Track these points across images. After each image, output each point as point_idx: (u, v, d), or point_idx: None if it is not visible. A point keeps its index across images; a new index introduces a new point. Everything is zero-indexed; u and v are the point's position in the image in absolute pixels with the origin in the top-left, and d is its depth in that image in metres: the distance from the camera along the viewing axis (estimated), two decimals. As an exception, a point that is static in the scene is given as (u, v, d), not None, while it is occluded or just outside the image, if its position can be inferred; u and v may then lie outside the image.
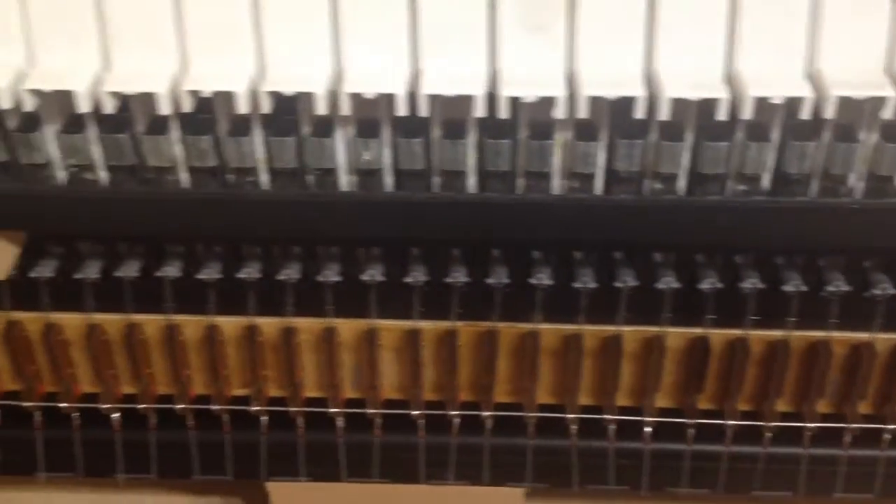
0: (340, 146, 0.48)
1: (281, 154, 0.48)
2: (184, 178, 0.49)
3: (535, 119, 0.46)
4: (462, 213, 0.49)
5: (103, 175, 0.49)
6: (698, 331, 0.53)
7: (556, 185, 0.49)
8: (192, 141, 0.48)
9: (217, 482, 0.60)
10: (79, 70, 0.45)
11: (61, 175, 0.49)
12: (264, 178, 0.49)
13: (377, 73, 0.45)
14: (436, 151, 0.48)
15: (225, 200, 0.49)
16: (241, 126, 0.48)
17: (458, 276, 0.52)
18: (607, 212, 0.49)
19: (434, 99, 0.44)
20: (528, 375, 0.55)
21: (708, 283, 0.52)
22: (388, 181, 0.49)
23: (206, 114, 0.47)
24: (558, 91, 0.44)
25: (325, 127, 0.47)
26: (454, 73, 0.45)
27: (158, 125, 0.47)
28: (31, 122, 0.47)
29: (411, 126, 0.47)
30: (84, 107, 0.44)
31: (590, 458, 0.57)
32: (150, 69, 0.45)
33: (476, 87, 0.44)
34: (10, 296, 0.53)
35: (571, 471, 0.58)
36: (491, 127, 0.47)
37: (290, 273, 0.52)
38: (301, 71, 0.45)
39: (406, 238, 0.52)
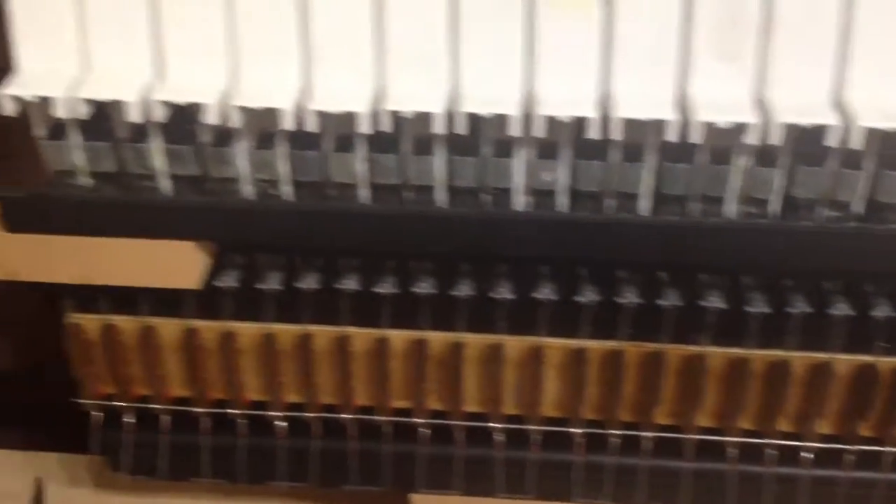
0: (519, 166, 0.49)
1: (461, 173, 0.49)
2: (364, 194, 0.51)
3: (714, 144, 0.47)
4: (636, 235, 0.50)
5: (287, 190, 0.51)
6: (867, 358, 0.53)
7: (732, 209, 0.49)
8: (377, 159, 0.49)
9: (354, 493, 0.61)
10: (282, 88, 0.47)
11: (247, 189, 0.51)
12: (441, 196, 0.51)
13: (566, 96, 0.46)
14: (613, 174, 0.49)
15: (401, 217, 0.51)
16: (424, 145, 0.49)
17: (630, 297, 0.53)
18: (781, 237, 0.49)
19: (622, 122, 0.45)
20: (691, 398, 0.55)
21: (881, 311, 0.52)
22: (563, 202, 0.50)
23: (393, 133, 0.48)
24: (748, 117, 0.45)
25: (505, 147, 0.49)
26: (642, 97, 0.46)
27: (346, 143, 0.49)
28: (224, 137, 0.50)
29: (593, 148, 0.48)
30: (287, 124, 0.46)
31: (747, 483, 0.57)
32: (350, 89, 0.47)
33: (665, 111, 0.45)
34: (194, 304, 0.55)
35: (727, 495, 0.58)
36: (670, 150, 0.48)
37: (463, 289, 0.53)
38: (494, 93, 0.46)
39: (578, 258, 0.53)
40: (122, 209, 0.50)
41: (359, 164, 0.50)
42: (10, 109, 0.46)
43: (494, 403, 0.57)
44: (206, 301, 0.54)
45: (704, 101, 0.46)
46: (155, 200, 0.50)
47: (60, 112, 0.47)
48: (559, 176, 0.49)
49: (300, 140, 0.49)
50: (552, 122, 0.46)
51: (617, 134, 0.45)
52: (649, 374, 0.54)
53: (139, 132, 0.49)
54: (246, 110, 0.47)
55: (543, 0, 0.45)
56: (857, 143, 0.45)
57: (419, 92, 0.46)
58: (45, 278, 0.51)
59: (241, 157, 0.50)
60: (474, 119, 0.46)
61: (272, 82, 0.47)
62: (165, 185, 0.51)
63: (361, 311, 0.54)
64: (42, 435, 0.84)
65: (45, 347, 0.92)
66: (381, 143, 0.49)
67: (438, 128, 0.46)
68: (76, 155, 0.50)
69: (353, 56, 0.47)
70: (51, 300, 0.77)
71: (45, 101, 0.47)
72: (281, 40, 0.47)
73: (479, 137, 0.48)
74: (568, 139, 0.48)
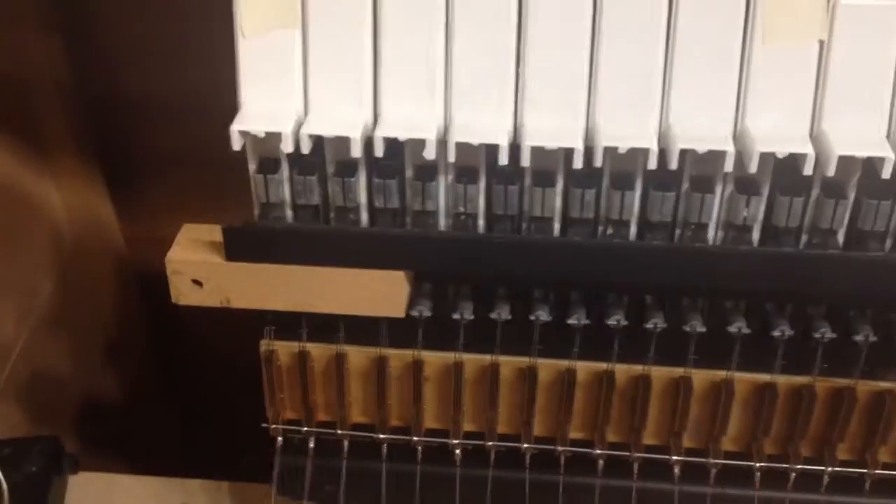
0: (716, 201, 0.51)
1: (660, 208, 0.51)
2: (556, 227, 0.52)
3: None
4: (831, 270, 0.51)
5: (480, 223, 0.53)
6: None
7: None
8: (577, 194, 0.51)
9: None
10: (495, 126, 0.49)
11: (444, 221, 0.53)
12: (633, 230, 0.52)
13: (778, 132, 0.47)
14: (811, 209, 0.50)
15: (591, 249, 0.52)
16: (622, 181, 0.51)
17: (825, 332, 0.53)
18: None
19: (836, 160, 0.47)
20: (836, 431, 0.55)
21: None
22: (755, 237, 0.52)
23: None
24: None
25: (704, 183, 0.50)
26: (855, 134, 0.47)
27: (547, 179, 0.51)
28: (427, 172, 0.52)
29: (792, 184, 0.49)
30: (503, 160, 0.48)
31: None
32: (561, 127, 0.49)
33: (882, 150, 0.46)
34: (387, 332, 0.56)
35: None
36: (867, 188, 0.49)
37: (657, 322, 0.54)
38: (704, 129, 0.48)
39: (772, 292, 0.54)
40: (334, 240, 0.52)
41: (557, 199, 0.52)
42: (239, 145, 0.49)
43: (715, 440, 0.57)
44: (399, 329, 0.56)
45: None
46: (365, 232, 0.53)
47: (287, 147, 0.49)
48: (756, 211, 0.51)
49: (503, 176, 0.51)
50: (763, 157, 0.47)
51: (830, 171, 0.46)
52: (874, 412, 0.55)
53: (345, 166, 0.52)
54: (461, 146, 0.48)
55: (759, 37, 0.46)
56: None
57: (629, 130, 0.48)
58: (253, 305, 0.53)
59: (443, 191, 0.52)
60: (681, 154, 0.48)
61: (485, 121, 0.49)
62: (365, 217, 0.53)
63: (551, 342, 0.55)
64: (186, 461, 0.86)
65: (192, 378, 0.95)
66: (580, 179, 0.51)
67: (651, 164, 0.48)
68: (286, 188, 0.52)
69: (564, 96, 0.49)
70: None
71: (267, 137, 0.49)
72: (495, 82, 0.49)
73: (682, 172, 0.50)
74: (767, 174, 0.50)
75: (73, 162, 0.81)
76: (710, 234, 0.52)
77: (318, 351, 0.58)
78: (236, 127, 0.48)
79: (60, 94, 0.77)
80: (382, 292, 0.53)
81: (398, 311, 0.53)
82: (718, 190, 0.51)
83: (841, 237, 0.51)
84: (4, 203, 0.75)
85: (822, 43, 0.46)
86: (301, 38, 0.49)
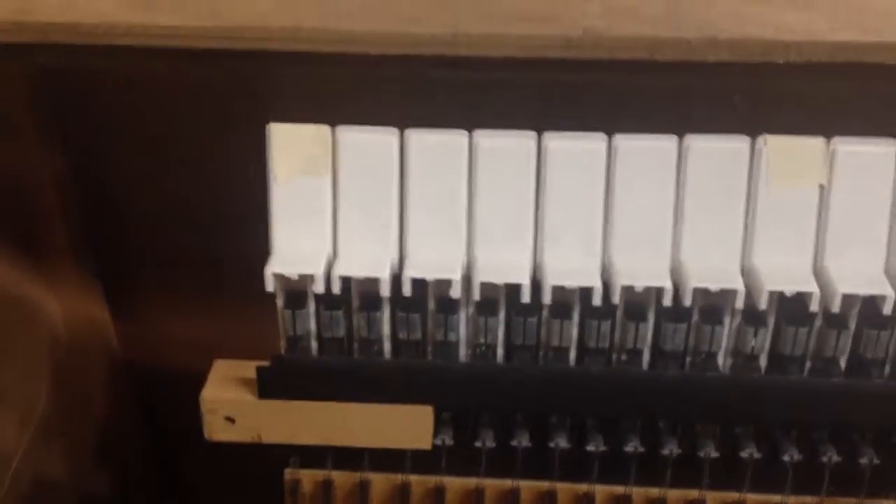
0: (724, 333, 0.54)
1: (672, 339, 0.53)
2: (572, 356, 0.55)
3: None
4: (834, 397, 0.53)
5: (499, 352, 0.55)
6: None
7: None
8: (593, 326, 0.54)
9: None
10: (517, 265, 0.52)
11: (462, 351, 0.55)
12: (646, 357, 0.55)
13: (783, 271, 0.50)
14: (814, 339, 0.53)
15: (607, 378, 0.54)
16: (635, 312, 0.53)
17: (831, 456, 0.55)
18: None
19: (840, 297, 0.49)
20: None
21: None
22: (762, 363, 0.54)
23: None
24: None
25: (714, 315, 0.53)
26: (855, 272, 0.50)
27: (565, 311, 0.53)
28: (449, 305, 0.54)
29: (796, 315, 0.52)
30: (525, 298, 0.51)
31: None
32: (579, 265, 0.51)
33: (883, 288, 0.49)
34: (410, 460, 0.58)
35: None
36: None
37: (672, 448, 0.56)
38: (714, 267, 0.51)
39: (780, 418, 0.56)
40: (362, 375, 0.54)
41: (574, 330, 0.54)
42: (272, 286, 0.51)
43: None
44: (421, 455, 0.57)
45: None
46: (392, 366, 0.55)
47: (318, 289, 0.51)
48: (763, 341, 0.53)
49: (523, 309, 0.53)
50: (771, 295, 0.50)
51: (835, 307, 0.49)
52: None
53: (371, 301, 0.54)
54: (485, 285, 0.51)
55: (764, 181, 0.49)
56: None
57: (643, 268, 0.51)
58: (283, 440, 0.55)
59: (464, 323, 0.54)
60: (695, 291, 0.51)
61: (507, 259, 0.52)
62: (388, 347, 0.55)
63: (571, 468, 0.57)
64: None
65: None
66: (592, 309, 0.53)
67: (666, 301, 0.50)
68: (311, 322, 0.54)
69: (581, 237, 0.51)
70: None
71: (300, 278, 0.52)
72: (515, 223, 0.52)
73: (693, 305, 0.53)
74: (773, 307, 0.52)
75: (69, 264, 0.82)
76: (720, 361, 0.55)
77: (341, 479, 0.59)
78: (270, 270, 0.51)
79: (58, 198, 0.79)
80: (409, 425, 0.55)
81: (425, 444, 0.55)
82: (727, 321, 0.53)
83: (843, 363, 0.54)
84: (3, 308, 0.76)
85: (822, 186, 0.49)
86: (331, 184, 0.52)
